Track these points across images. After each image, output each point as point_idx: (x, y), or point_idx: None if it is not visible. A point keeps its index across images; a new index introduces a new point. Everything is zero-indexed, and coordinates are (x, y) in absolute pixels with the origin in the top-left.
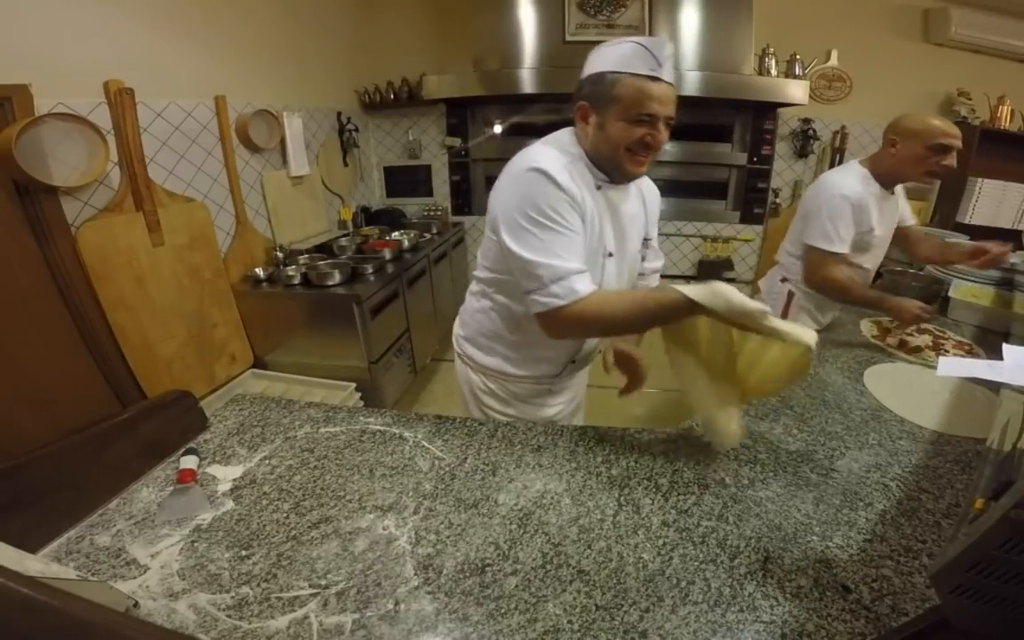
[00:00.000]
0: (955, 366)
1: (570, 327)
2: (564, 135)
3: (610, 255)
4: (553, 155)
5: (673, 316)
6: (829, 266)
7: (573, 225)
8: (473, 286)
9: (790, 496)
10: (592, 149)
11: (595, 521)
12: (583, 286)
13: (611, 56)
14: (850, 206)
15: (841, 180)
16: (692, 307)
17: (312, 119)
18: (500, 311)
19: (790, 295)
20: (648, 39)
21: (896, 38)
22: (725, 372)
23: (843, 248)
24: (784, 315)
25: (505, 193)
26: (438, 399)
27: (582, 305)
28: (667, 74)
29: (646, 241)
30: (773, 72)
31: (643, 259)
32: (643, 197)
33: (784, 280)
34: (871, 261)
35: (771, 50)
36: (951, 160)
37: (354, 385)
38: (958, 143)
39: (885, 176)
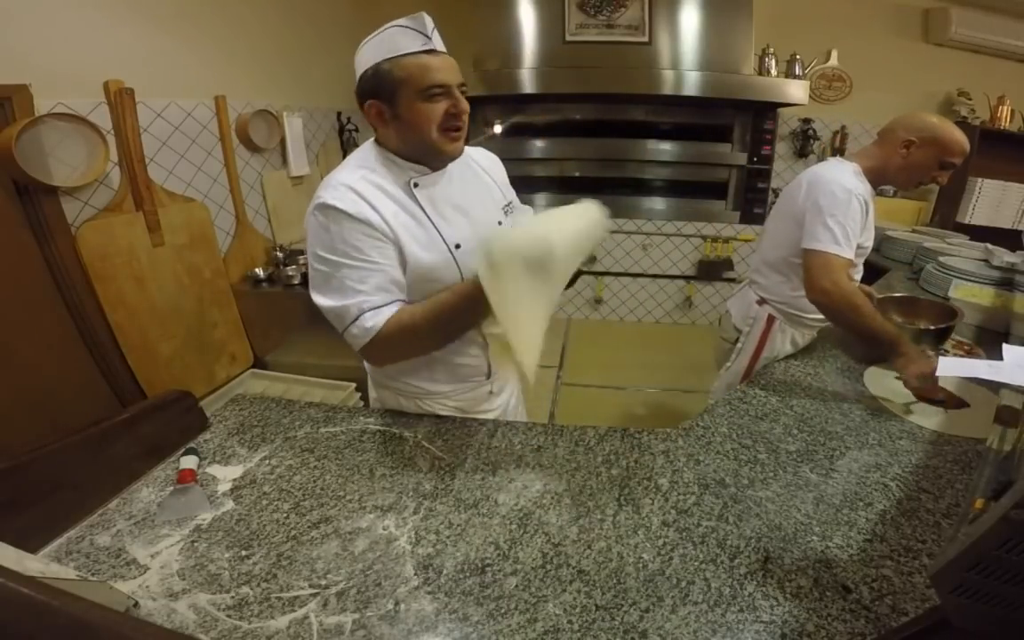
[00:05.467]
0: (955, 366)
1: (383, 356)
2: (366, 146)
3: (458, 247)
4: (346, 178)
5: (476, 308)
6: (838, 271)
7: (369, 255)
8: None
9: (790, 496)
10: (401, 144)
11: (595, 521)
12: (375, 320)
13: (378, 48)
14: (858, 203)
15: (839, 175)
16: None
17: (312, 119)
18: None
19: (770, 320)
20: (406, 18)
21: (896, 38)
22: None
23: (850, 253)
24: (762, 343)
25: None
26: None
27: (382, 335)
28: (439, 45)
29: (508, 207)
30: (773, 72)
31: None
32: (481, 169)
33: (762, 302)
34: (857, 275)
35: (771, 50)
36: (948, 177)
37: (354, 385)
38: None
39: (878, 176)
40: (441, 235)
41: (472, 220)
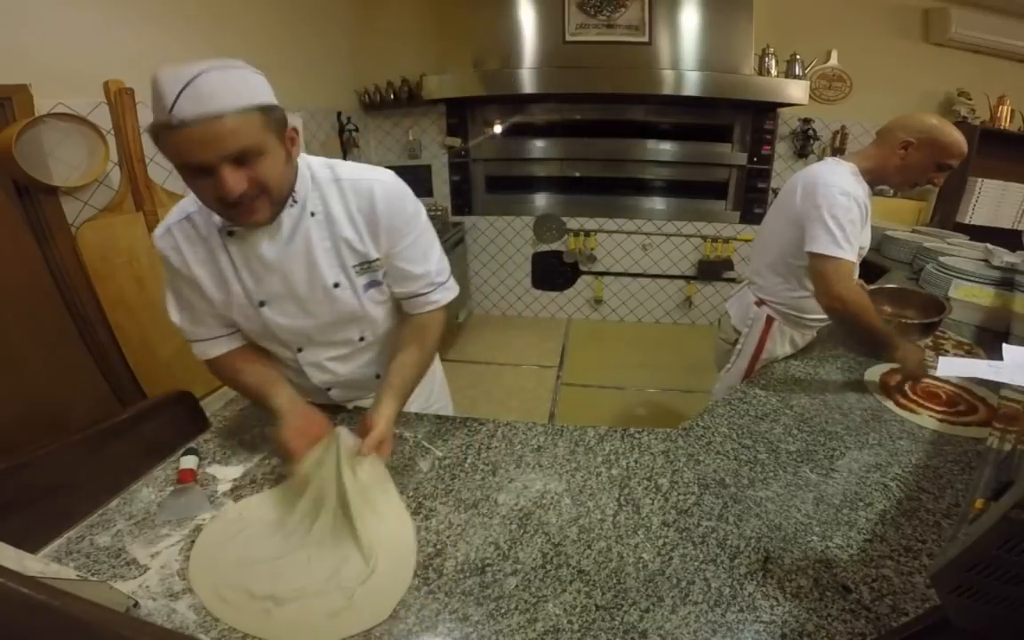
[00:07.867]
0: (955, 366)
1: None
2: None
3: (261, 304)
4: (171, 217)
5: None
6: (849, 276)
7: (176, 281)
8: None
9: (790, 496)
10: None
11: (595, 521)
12: (213, 350)
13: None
14: (858, 207)
15: (837, 178)
16: None
17: (312, 119)
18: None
19: (769, 321)
20: (164, 73)
21: (896, 38)
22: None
23: (854, 255)
24: (761, 344)
25: None
26: None
27: (216, 367)
28: (188, 109)
29: (368, 265)
30: (773, 72)
31: (373, 285)
32: (331, 218)
33: (760, 303)
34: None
35: (771, 50)
36: (944, 178)
37: None
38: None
39: (875, 177)
40: (246, 290)
41: (280, 279)
